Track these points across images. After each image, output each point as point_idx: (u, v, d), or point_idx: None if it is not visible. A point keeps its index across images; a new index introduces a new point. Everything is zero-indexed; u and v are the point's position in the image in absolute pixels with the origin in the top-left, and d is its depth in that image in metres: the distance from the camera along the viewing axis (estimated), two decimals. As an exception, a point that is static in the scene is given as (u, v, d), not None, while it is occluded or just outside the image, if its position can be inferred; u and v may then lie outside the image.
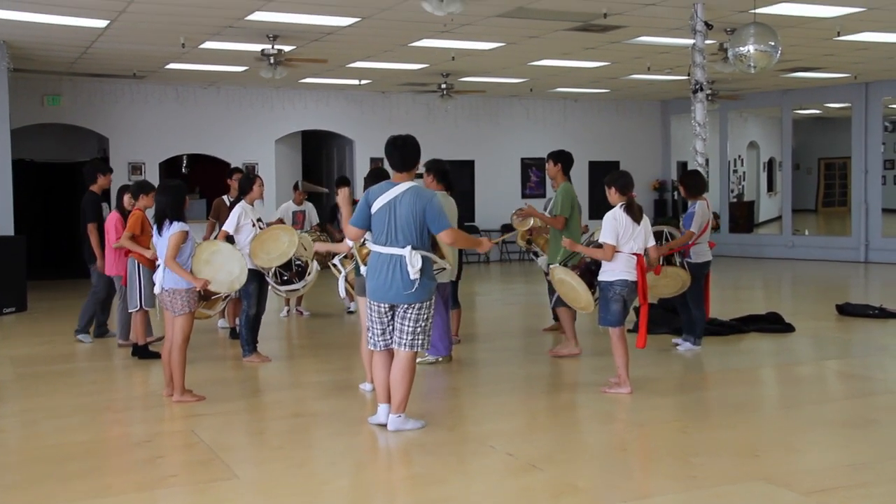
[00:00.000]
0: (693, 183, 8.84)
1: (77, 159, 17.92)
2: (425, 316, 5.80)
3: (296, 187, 12.14)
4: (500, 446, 5.59)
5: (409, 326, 5.76)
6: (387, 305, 5.81)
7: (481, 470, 5.19)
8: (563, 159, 8.59)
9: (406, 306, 5.75)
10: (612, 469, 5.27)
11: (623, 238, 6.87)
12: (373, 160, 18.32)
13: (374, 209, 5.81)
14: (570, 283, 7.31)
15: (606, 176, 7.19)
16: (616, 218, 6.90)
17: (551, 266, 7.75)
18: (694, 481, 4.94)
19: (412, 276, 5.66)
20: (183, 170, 18.77)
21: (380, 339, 5.90)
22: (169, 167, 18.19)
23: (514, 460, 5.33)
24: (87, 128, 16.92)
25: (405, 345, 5.79)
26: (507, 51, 13.52)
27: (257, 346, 8.56)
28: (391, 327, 5.85)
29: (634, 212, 6.92)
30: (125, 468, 5.36)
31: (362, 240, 6.08)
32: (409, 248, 5.68)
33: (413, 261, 5.65)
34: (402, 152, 5.89)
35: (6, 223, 12.82)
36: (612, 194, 7.01)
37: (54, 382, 7.75)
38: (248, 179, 8.58)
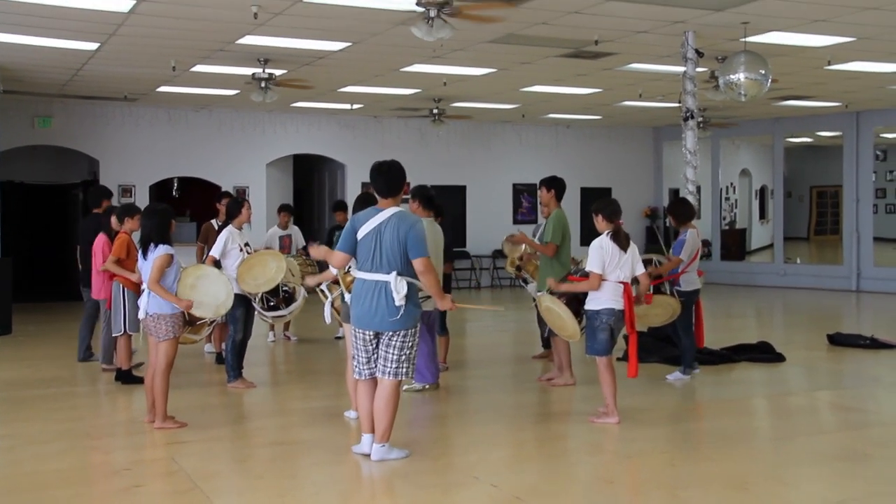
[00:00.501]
0: (681, 211, 8.81)
1: (67, 181, 17.86)
2: (410, 344, 5.71)
3: (280, 210, 11.95)
4: (484, 477, 5.50)
5: (393, 354, 5.68)
6: (371, 333, 5.73)
7: (464, 502, 5.10)
8: (556, 185, 8.53)
9: (391, 334, 5.67)
10: (597, 502, 5.19)
11: (609, 266, 6.81)
12: (364, 184, 18.25)
13: (360, 235, 5.75)
14: (557, 312, 7.23)
15: (594, 203, 7.15)
16: (602, 246, 6.84)
17: (538, 294, 7.68)
18: (682, 515, 4.86)
19: (397, 303, 5.59)
20: (174, 193, 18.69)
21: (364, 367, 5.82)
22: (160, 190, 18.12)
23: (497, 492, 5.23)
24: (77, 150, 16.84)
25: (389, 373, 5.70)
26: (498, 77, 13.52)
27: (242, 371, 8.46)
28: (376, 355, 5.77)
29: (621, 239, 6.86)
30: (102, 498, 5.26)
31: (347, 267, 6.02)
32: (394, 273, 5.61)
33: (398, 287, 5.58)
34: (387, 178, 5.83)
35: (-7, 245, 12.73)
36: (599, 221, 6.96)
37: (35, 407, 7.63)
38: (236, 203, 8.52)
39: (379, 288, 5.64)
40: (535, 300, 8.62)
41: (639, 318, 8.33)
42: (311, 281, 7.21)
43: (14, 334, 12.13)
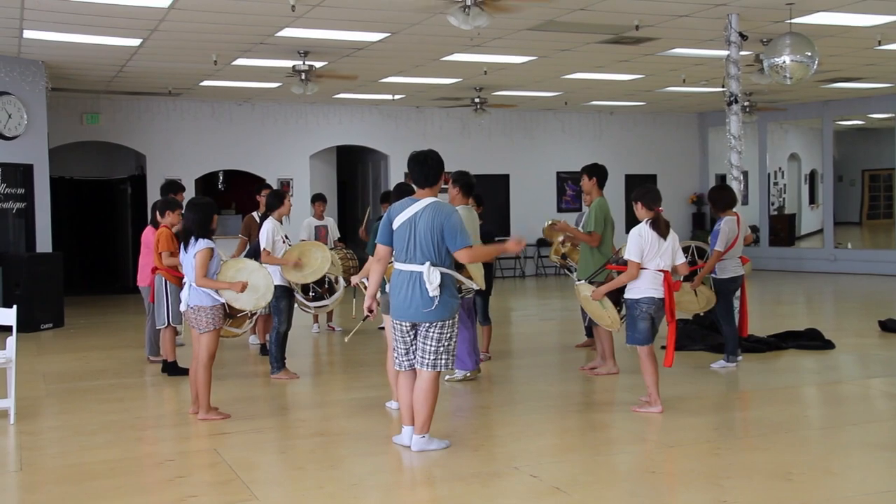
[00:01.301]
0: (720, 197, 8.65)
1: (115, 176, 18.12)
2: (448, 335, 5.69)
3: (314, 200, 11.85)
4: (524, 467, 5.47)
5: (431, 346, 5.66)
6: (408, 324, 5.72)
7: (503, 492, 5.07)
8: (598, 173, 8.43)
9: (428, 325, 5.65)
10: (638, 492, 5.13)
11: (648, 255, 6.73)
12: (407, 175, 18.26)
13: (395, 225, 5.73)
14: (596, 302, 7.17)
15: (634, 191, 7.08)
16: (641, 234, 6.76)
17: (576, 284, 7.61)
18: (724, 506, 4.78)
19: (431, 294, 5.56)
20: (220, 186, 18.88)
21: (404, 359, 5.81)
22: (205, 184, 18.31)
23: (537, 482, 5.20)
24: (125, 145, 17.09)
25: (427, 364, 5.68)
26: (539, 64, 13.43)
27: (285, 362, 8.52)
28: (414, 347, 5.76)
29: (661, 227, 6.78)
30: (146, 488, 5.32)
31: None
32: (427, 264, 5.58)
33: (431, 277, 5.55)
34: (424, 168, 5.80)
35: (45, 240, 12.97)
36: (639, 209, 6.90)
37: (83, 399, 7.76)
38: (276, 196, 8.56)
39: (414, 279, 5.62)
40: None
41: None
42: (355, 279, 7.20)
43: (65, 327, 12.36)
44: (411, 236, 5.65)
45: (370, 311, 5.97)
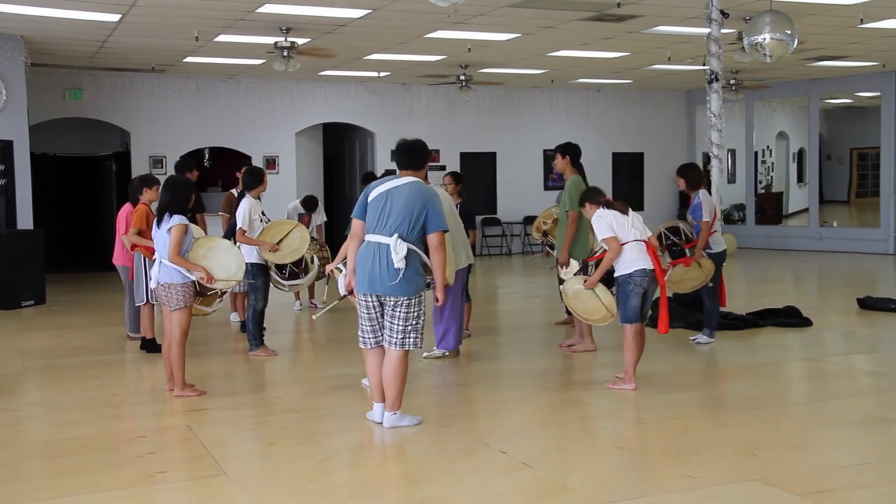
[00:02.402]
0: (694, 175, 8.68)
1: (99, 153, 18.03)
2: (415, 314, 5.68)
3: (304, 204, 11.68)
4: (494, 443, 5.50)
5: (398, 325, 5.66)
6: (374, 299, 5.71)
7: (471, 468, 5.09)
8: (570, 151, 8.42)
9: (394, 302, 5.64)
10: (605, 468, 5.17)
11: (620, 229, 6.75)
12: (394, 153, 18.23)
13: (370, 198, 5.73)
14: (588, 293, 7.08)
15: (580, 196, 7.28)
16: (601, 216, 6.83)
17: (562, 287, 7.61)
18: (688, 481, 4.82)
19: (396, 265, 5.54)
20: (205, 163, 18.80)
21: (370, 336, 5.80)
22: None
23: (506, 458, 5.24)
24: (108, 122, 17.00)
25: (396, 343, 5.68)
26: (523, 41, 13.37)
27: (264, 339, 8.53)
28: (380, 323, 5.77)
29: (617, 206, 6.87)
30: (116, 464, 5.33)
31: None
32: (395, 236, 5.58)
33: (398, 248, 5.53)
34: (409, 154, 5.87)
35: (26, 217, 12.91)
36: (587, 210, 7.07)
37: (60, 376, 7.76)
38: (252, 174, 8.53)
39: (380, 250, 5.61)
40: (557, 272, 8.60)
41: (675, 284, 8.35)
42: (329, 266, 7.16)
43: (47, 304, 12.34)
44: (385, 207, 5.64)
45: (350, 290, 5.94)
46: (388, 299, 5.66)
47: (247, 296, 9.24)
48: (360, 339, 5.86)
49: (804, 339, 9.14)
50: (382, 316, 5.74)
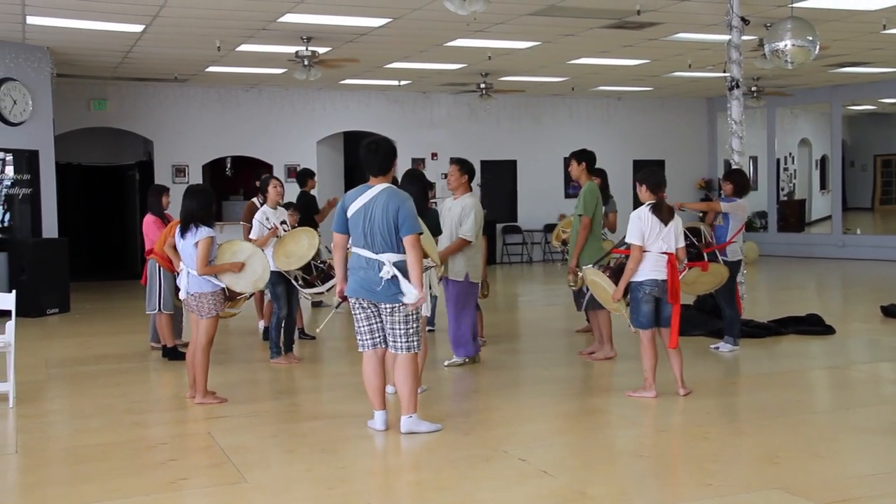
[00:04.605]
0: (742, 181, 8.69)
1: (123, 162, 18.20)
2: (415, 315, 5.77)
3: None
4: (513, 451, 5.50)
5: (400, 329, 5.73)
6: (366, 300, 5.76)
7: (490, 476, 5.10)
8: (586, 158, 8.42)
9: (391, 308, 5.71)
10: (625, 476, 5.16)
11: (650, 238, 6.73)
12: (414, 161, 18.30)
13: (349, 213, 5.75)
14: (601, 285, 7.17)
15: (638, 172, 7.10)
16: (641, 217, 6.77)
17: (584, 268, 7.62)
18: (708, 489, 4.80)
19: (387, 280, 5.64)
20: (227, 171, 18.94)
21: (367, 337, 5.85)
22: (213, 169, 18.38)
23: (525, 466, 5.23)
24: (132, 131, 17.16)
25: (401, 348, 5.76)
26: (543, 49, 13.39)
27: (293, 346, 8.57)
28: (378, 324, 5.81)
29: (663, 213, 6.78)
30: (136, 471, 5.37)
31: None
32: (384, 262, 5.62)
33: (387, 271, 5.60)
34: (376, 156, 5.80)
35: (51, 226, 13.06)
36: (642, 192, 6.92)
37: (84, 383, 7.84)
38: (263, 183, 8.61)
39: (371, 263, 5.68)
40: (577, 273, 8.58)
41: (687, 286, 8.28)
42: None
43: (71, 312, 12.46)
44: (367, 223, 5.67)
45: (343, 297, 5.97)
46: (384, 306, 5.72)
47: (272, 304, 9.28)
48: (359, 342, 5.92)
49: (827, 347, 9.07)
50: (379, 315, 5.80)
